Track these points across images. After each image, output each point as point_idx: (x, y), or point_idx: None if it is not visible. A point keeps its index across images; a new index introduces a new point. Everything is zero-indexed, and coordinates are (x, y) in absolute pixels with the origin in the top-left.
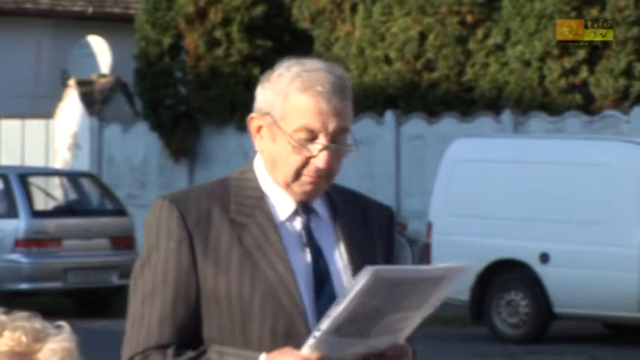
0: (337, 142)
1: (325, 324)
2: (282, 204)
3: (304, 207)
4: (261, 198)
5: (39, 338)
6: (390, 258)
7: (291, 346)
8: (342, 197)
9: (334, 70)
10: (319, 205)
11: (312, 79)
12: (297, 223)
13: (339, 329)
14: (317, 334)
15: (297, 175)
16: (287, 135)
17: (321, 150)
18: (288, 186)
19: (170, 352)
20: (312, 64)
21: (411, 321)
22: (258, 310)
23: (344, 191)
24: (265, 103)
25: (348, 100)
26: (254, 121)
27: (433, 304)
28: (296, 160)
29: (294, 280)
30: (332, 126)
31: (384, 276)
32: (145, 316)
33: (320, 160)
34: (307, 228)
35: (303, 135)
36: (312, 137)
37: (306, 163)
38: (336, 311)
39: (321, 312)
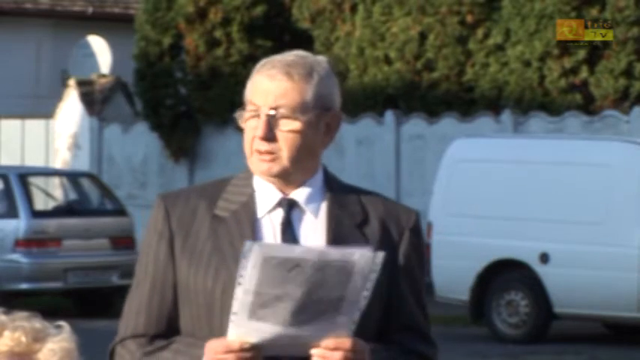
0: (282, 117)
1: (235, 307)
2: (267, 198)
3: (289, 201)
4: (251, 195)
5: (39, 338)
6: (394, 264)
7: None
8: (347, 196)
9: (305, 55)
10: (310, 201)
11: (270, 61)
12: (278, 217)
13: (254, 312)
14: (232, 317)
15: (250, 149)
16: (244, 113)
17: (259, 119)
18: (252, 166)
19: (143, 340)
20: (288, 52)
21: (345, 313)
22: (219, 301)
23: (354, 191)
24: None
25: (302, 81)
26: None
27: (364, 296)
28: (248, 137)
29: None
30: (271, 99)
31: (270, 254)
32: (128, 309)
33: (257, 129)
34: (286, 222)
35: (250, 109)
36: (256, 111)
37: (253, 136)
38: (238, 292)
39: None
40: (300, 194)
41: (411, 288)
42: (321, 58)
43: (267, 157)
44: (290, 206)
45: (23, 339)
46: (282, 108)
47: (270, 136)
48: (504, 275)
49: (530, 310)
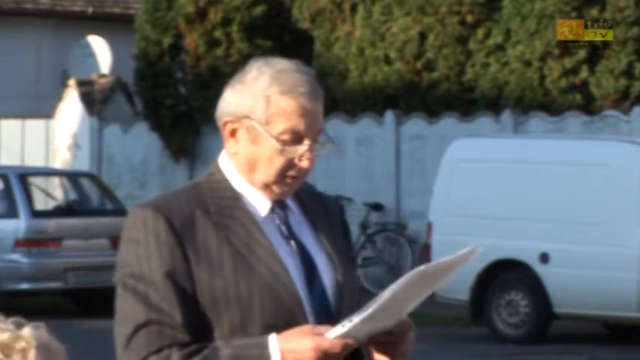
0: (316, 141)
1: (358, 318)
2: (259, 202)
3: (280, 203)
4: (236, 198)
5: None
6: (349, 244)
7: None
8: (304, 191)
9: (304, 70)
10: (290, 200)
11: (289, 80)
12: (277, 219)
13: (373, 317)
14: (347, 324)
15: (281, 176)
16: (272, 138)
17: (307, 151)
18: (267, 187)
19: (175, 348)
20: (282, 64)
21: (417, 300)
22: (259, 308)
23: (301, 185)
24: (242, 106)
25: (322, 100)
26: (229, 125)
27: (439, 286)
28: (280, 162)
29: (289, 275)
30: (315, 127)
31: (425, 272)
32: (153, 319)
33: (306, 161)
34: (287, 223)
35: (288, 137)
36: (297, 139)
37: (289, 164)
38: (375, 303)
39: (315, 304)
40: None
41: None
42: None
43: (298, 180)
44: (283, 207)
45: None
46: (319, 135)
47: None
48: (504, 275)
49: (530, 310)
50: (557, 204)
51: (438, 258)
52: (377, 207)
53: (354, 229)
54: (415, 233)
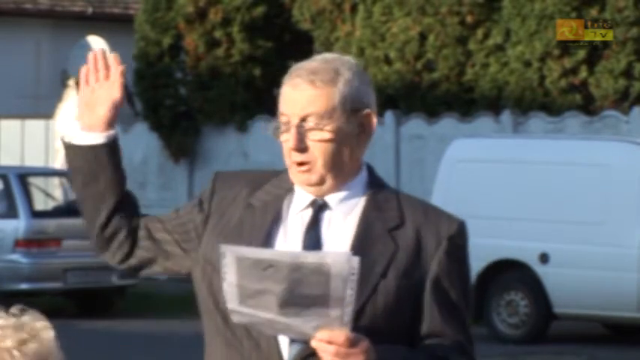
0: (311, 125)
1: (226, 299)
2: (302, 198)
3: (319, 202)
4: (289, 190)
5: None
6: (423, 272)
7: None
8: (386, 200)
9: (331, 59)
10: (343, 203)
11: (296, 69)
12: (306, 217)
13: (244, 301)
14: (229, 306)
15: (290, 162)
16: (278, 126)
17: (289, 130)
18: (291, 176)
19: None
20: (314, 57)
21: (335, 308)
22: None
23: (397, 195)
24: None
25: (326, 87)
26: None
27: (349, 294)
28: (285, 149)
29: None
30: (298, 109)
31: (242, 255)
32: None
33: (289, 142)
34: (312, 222)
35: (283, 121)
36: (289, 123)
37: (286, 148)
38: (224, 285)
39: None
40: (334, 196)
41: (436, 296)
42: (347, 59)
43: (304, 167)
44: (320, 208)
45: None
46: (310, 117)
47: (302, 147)
48: (504, 275)
49: (530, 310)
50: (557, 204)
51: None
52: None
53: None
54: None
